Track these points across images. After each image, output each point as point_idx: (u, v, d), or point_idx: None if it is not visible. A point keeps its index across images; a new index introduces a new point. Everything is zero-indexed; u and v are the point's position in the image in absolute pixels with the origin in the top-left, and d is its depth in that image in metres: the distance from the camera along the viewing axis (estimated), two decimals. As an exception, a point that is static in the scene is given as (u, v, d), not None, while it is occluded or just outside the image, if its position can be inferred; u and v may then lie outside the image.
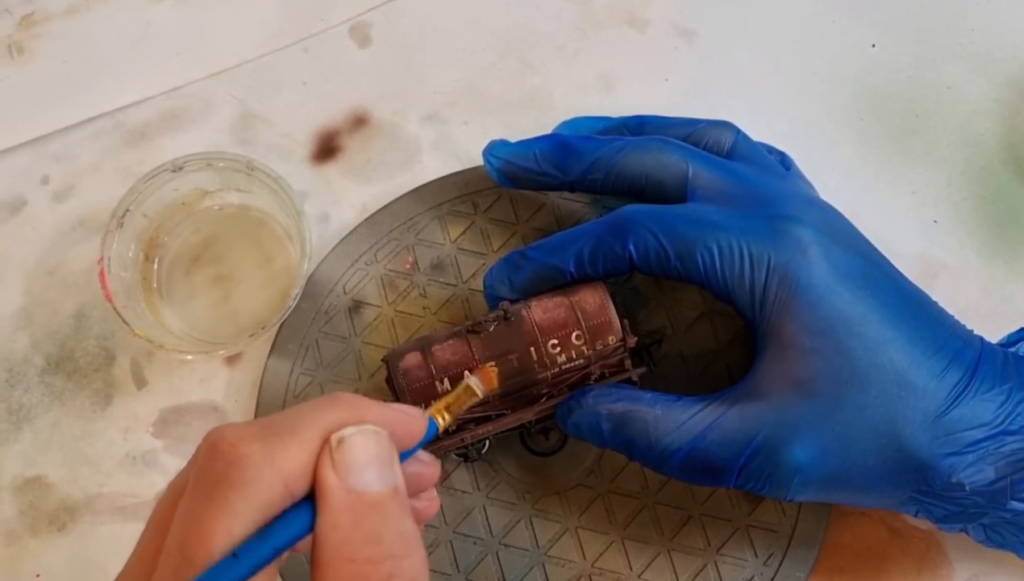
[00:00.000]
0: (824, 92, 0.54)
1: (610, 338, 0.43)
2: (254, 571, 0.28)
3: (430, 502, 0.36)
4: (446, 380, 0.42)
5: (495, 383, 0.41)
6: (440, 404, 0.36)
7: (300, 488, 0.30)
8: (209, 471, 0.29)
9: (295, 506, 0.30)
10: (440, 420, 0.35)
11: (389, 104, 0.54)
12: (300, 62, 0.54)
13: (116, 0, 0.55)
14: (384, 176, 0.53)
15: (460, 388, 0.37)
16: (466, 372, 0.40)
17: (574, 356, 0.43)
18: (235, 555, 0.28)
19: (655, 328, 0.49)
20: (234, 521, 0.28)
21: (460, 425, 0.44)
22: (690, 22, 0.55)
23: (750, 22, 0.55)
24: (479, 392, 0.37)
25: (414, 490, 0.34)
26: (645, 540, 0.47)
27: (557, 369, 0.43)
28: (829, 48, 0.55)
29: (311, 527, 0.30)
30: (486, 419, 0.44)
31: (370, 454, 0.30)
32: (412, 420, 0.33)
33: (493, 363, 0.42)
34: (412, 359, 0.43)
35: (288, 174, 0.49)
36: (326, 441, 0.30)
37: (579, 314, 0.43)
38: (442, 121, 0.54)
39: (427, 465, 0.35)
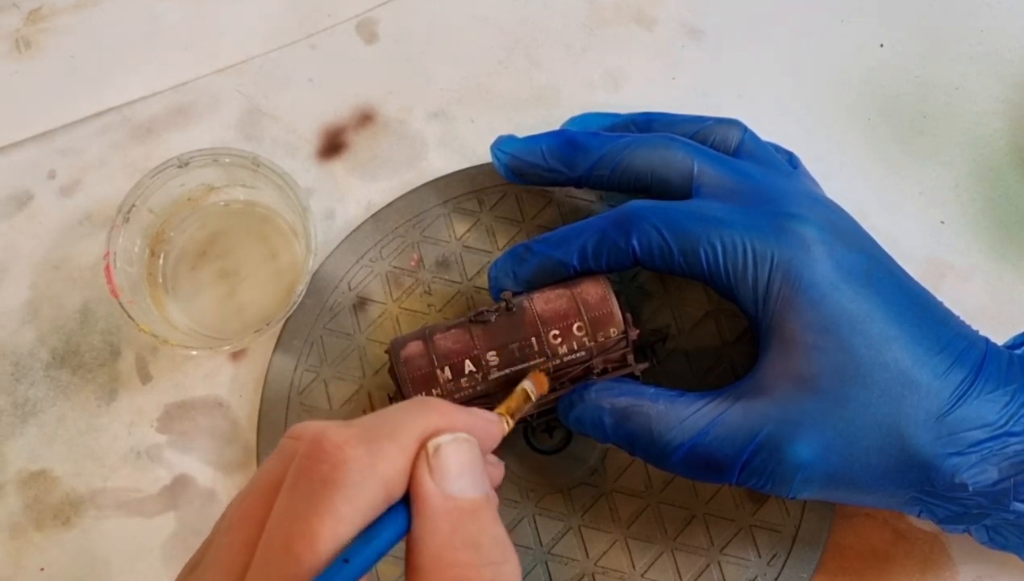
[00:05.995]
0: (832, 92, 0.54)
1: (612, 330, 0.43)
2: (361, 575, 0.29)
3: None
4: (447, 369, 0.42)
5: (546, 387, 0.42)
6: (503, 407, 0.38)
7: (398, 492, 0.30)
8: (314, 471, 0.29)
9: (391, 510, 0.30)
10: (506, 425, 0.37)
11: (395, 101, 0.54)
12: (307, 58, 0.54)
13: (124, -4, 0.55)
14: (390, 173, 0.53)
15: (517, 392, 0.40)
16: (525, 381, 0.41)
17: (575, 347, 0.43)
18: (346, 560, 0.28)
19: (660, 326, 0.48)
20: (340, 523, 0.29)
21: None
22: (698, 21, 0.55)
23: (758, 21, 0.55)
24: (533, 396, 0.40)
25: None
26: (648, 539, 0.47)
27: (559, 360, 0.43)
28: (837, 48, 0.55)
29: (406, 531, 0.30)
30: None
31: (464, 462, 0.31)
32: (492, 425, 0.35)
33: (544, 372, 0.43)
34: (414, 347, 0.43)
35: (294, 170, 0.49)
36: (422, 447, 0.31)
37: (580, 305, 0.43)
38: (448, 118, 0.54)
39: (493, 466, 0.36)
